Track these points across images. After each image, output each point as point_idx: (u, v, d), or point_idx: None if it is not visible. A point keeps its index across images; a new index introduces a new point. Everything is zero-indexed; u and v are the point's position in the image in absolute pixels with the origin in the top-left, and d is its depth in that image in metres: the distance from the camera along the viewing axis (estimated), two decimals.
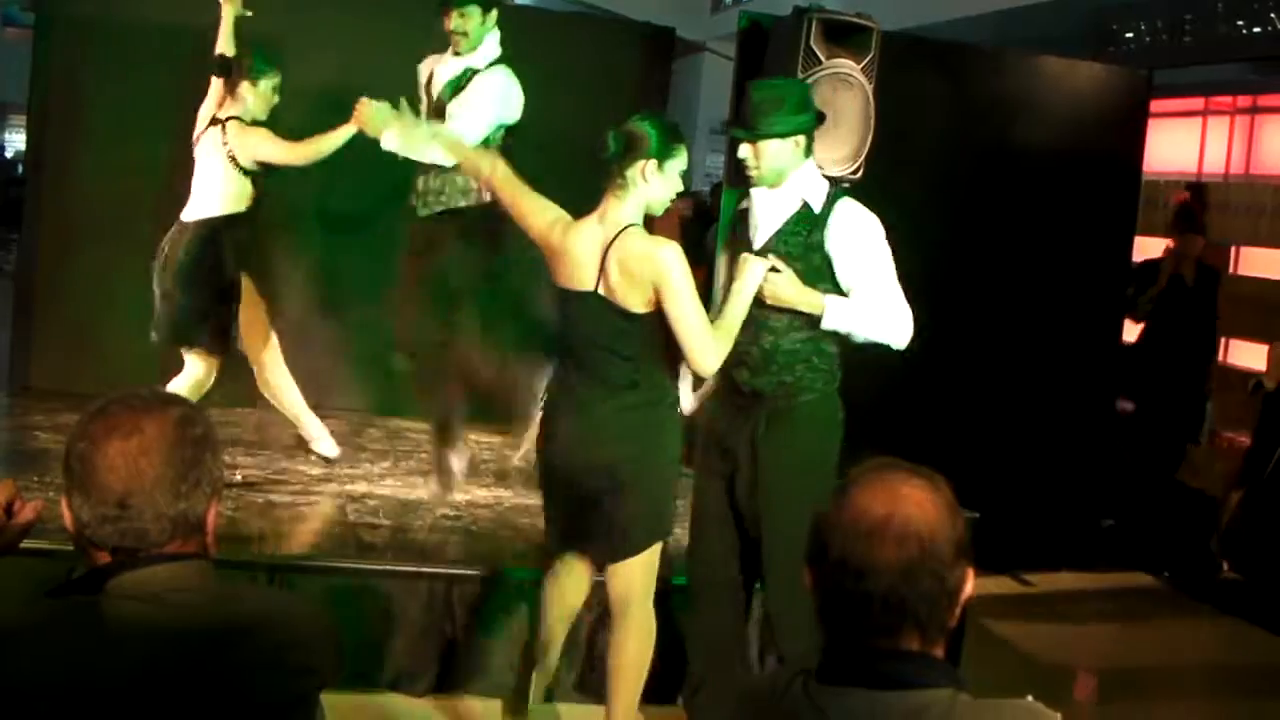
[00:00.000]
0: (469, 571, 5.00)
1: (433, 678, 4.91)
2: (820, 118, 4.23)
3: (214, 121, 5.80)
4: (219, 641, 1.94)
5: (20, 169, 13.72)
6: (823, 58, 5.06)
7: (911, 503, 1.91)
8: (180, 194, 7.16)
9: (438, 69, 5.53)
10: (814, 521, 1.97)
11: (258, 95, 5.79)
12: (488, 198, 5.38)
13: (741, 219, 4.30)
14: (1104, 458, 7.56)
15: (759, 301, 4.04)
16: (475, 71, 5.48)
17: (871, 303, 4.06)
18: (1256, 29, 7.58)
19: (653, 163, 3.89)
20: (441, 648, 4.92)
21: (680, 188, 4.01)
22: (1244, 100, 9.26)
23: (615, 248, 3.86)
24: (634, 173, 3.90)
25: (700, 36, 11.95)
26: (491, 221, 5.29)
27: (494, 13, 5.44)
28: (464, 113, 5.38)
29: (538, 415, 4.26)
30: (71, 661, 1.87)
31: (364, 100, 5.32)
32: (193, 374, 5.83)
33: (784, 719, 1.95)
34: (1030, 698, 1.93)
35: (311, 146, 5.70)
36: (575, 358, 4.05)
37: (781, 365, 4.14)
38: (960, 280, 7.07)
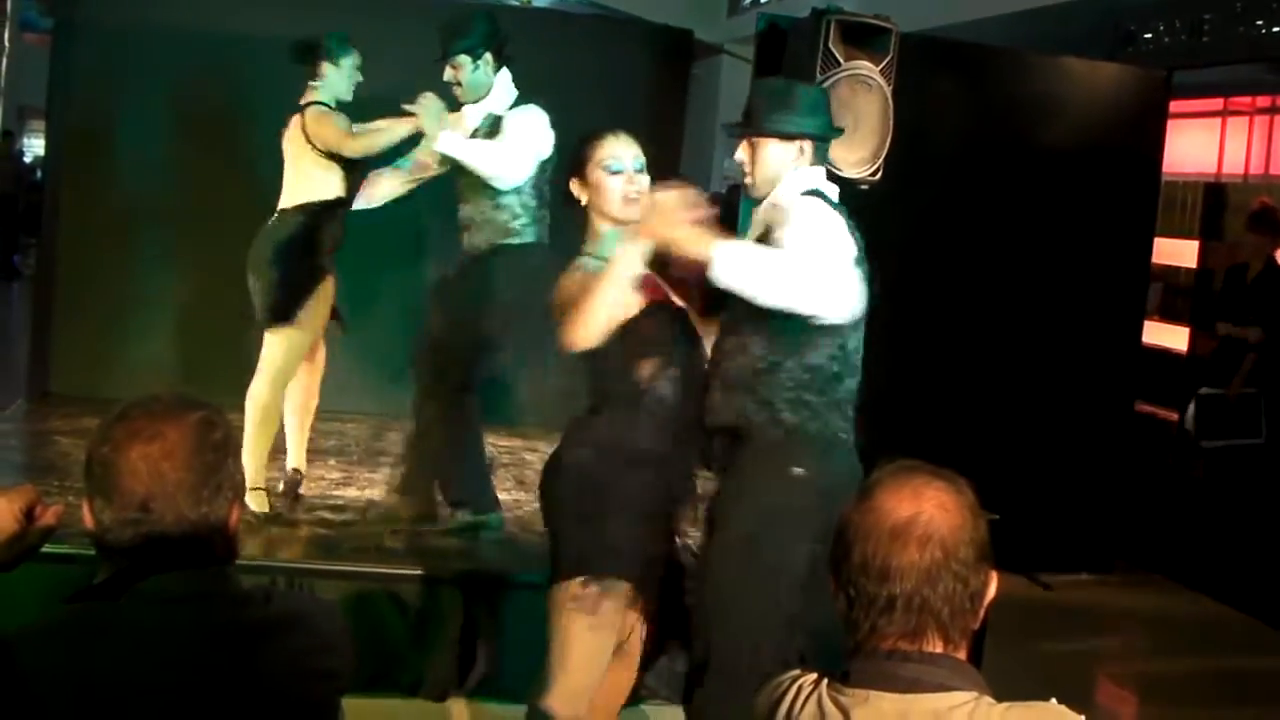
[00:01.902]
0: (488, 575, 4.99)
1: (453, 682, 4.91)
2: None
3: (298, 109, 5.74)
4: (241, 646, 1.94)
5: (39, 174, 13.76)
6: (841, 59, 5.07)
7: (934, 505, 1.91)
8: (198, 198, 7.21)
9: (466, 120, 5.49)
10: (837, 524, 1.97)
11: (341, 72, 5.68)
12: (530, 238, 5.33)
13: None
14: (1124, 458, 7.50)
15: None
16: (499, 117, 5.42)
17: (775, 256, 3.40)
18: (1276, 29, 7.54)
19: None
20: (461, 652, 4.92)
21: None
22: (1263, 100, 9.22)
23: None
24: None
25: (718, 39, 11.95)
26: (533, 255, 5.27)
27: (487, 58, 5.35)
28: (508, 154, 5.26)
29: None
30: (93, 666, 1.86)
31: (428, 95, 5.30)
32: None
33: None
34: (1054, 700, 1.92)
35: (365, 139, 5.58)
36: None
37: None
38: (979, 281, 7.05)
